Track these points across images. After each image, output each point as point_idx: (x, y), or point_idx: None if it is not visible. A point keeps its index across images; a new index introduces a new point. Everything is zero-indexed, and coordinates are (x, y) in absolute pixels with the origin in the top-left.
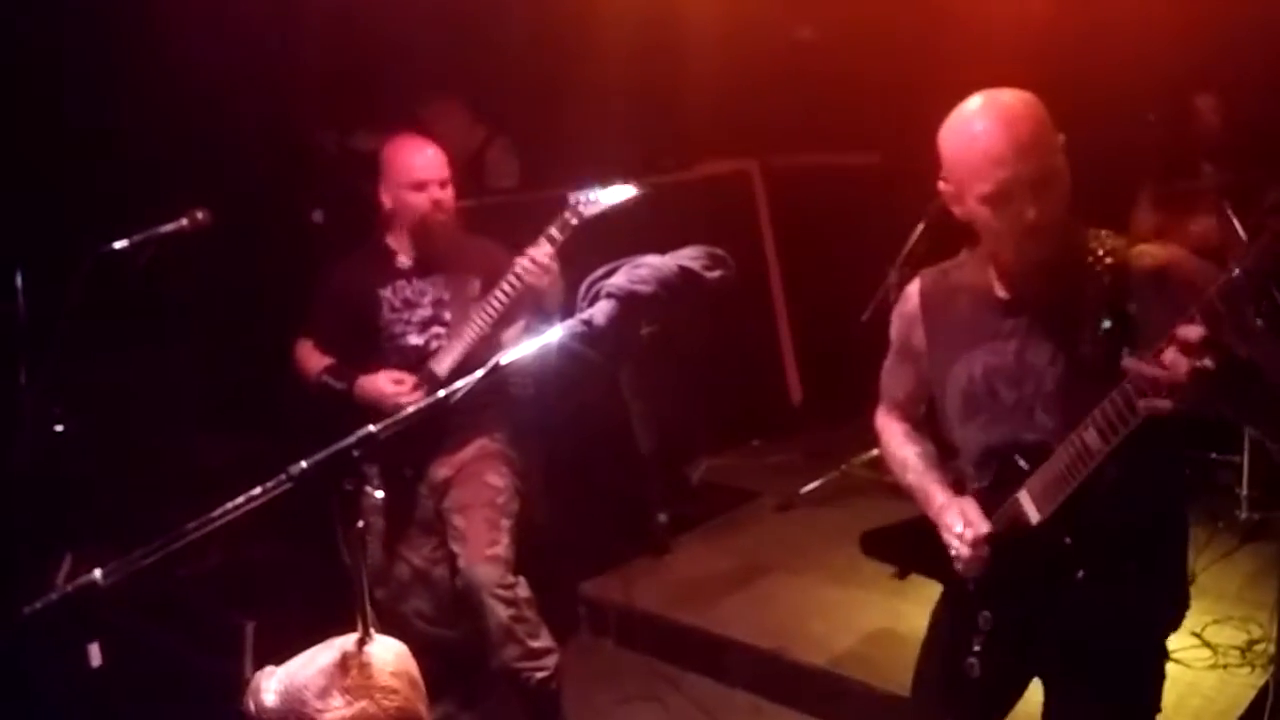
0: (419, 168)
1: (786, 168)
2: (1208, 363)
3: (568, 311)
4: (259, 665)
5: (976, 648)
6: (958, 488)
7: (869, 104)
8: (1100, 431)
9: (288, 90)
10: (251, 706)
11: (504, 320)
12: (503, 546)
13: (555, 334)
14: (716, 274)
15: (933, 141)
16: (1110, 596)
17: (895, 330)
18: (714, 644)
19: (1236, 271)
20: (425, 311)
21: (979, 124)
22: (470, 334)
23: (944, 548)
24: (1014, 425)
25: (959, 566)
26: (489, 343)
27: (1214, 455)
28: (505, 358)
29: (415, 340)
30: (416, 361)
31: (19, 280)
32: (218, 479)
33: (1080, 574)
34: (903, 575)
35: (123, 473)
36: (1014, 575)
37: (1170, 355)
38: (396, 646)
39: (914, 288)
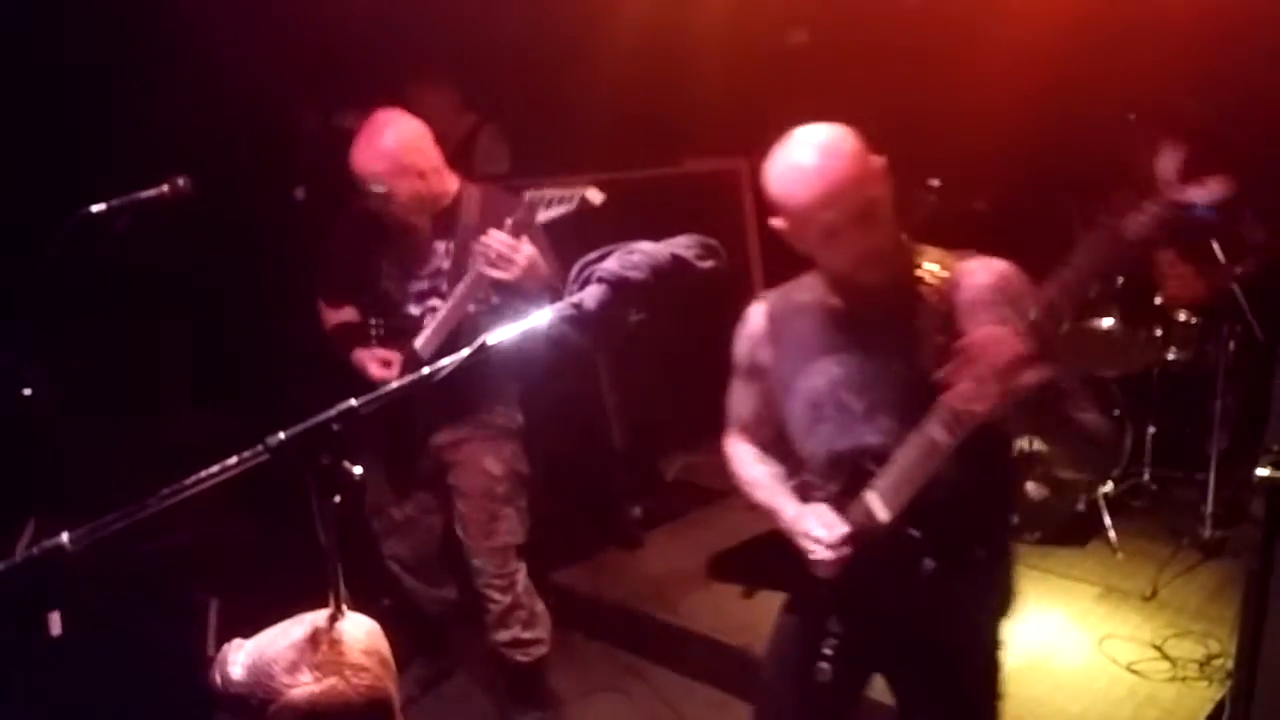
0: (359, 172)
1: None
2: (1015, 377)
3: (558, 294)
4: (221, 642)
5: (828, 651)
6: (805, 499)
7: (861, 108)
8: (946, 426)
9: (274, 66)
10: (218, 679)
11: (483, 301)
12: (502, 535)
13: (544, 316)
14: (709, 264)
15: (923, 146)
16: (954, 587)
17: (741, 352)
18: (680, 638)
19: (1066, 273)
20: (422, 284)
21: (799, 170)
22: (450, 315)
23: (788, 559)
24: (859, 431)
25: (819, 570)
26: (474, 321)
27: (1178, 473)
28: (492, 338)
29: (413, 310)
30: (413, 333)
31: None
32: (190, 455)
33: (928, 564)
34: (749, 594)
35: (92, 443)
36: (864, 575)
37: (993, 361)
38: (368, 624)
39: (758, 309)
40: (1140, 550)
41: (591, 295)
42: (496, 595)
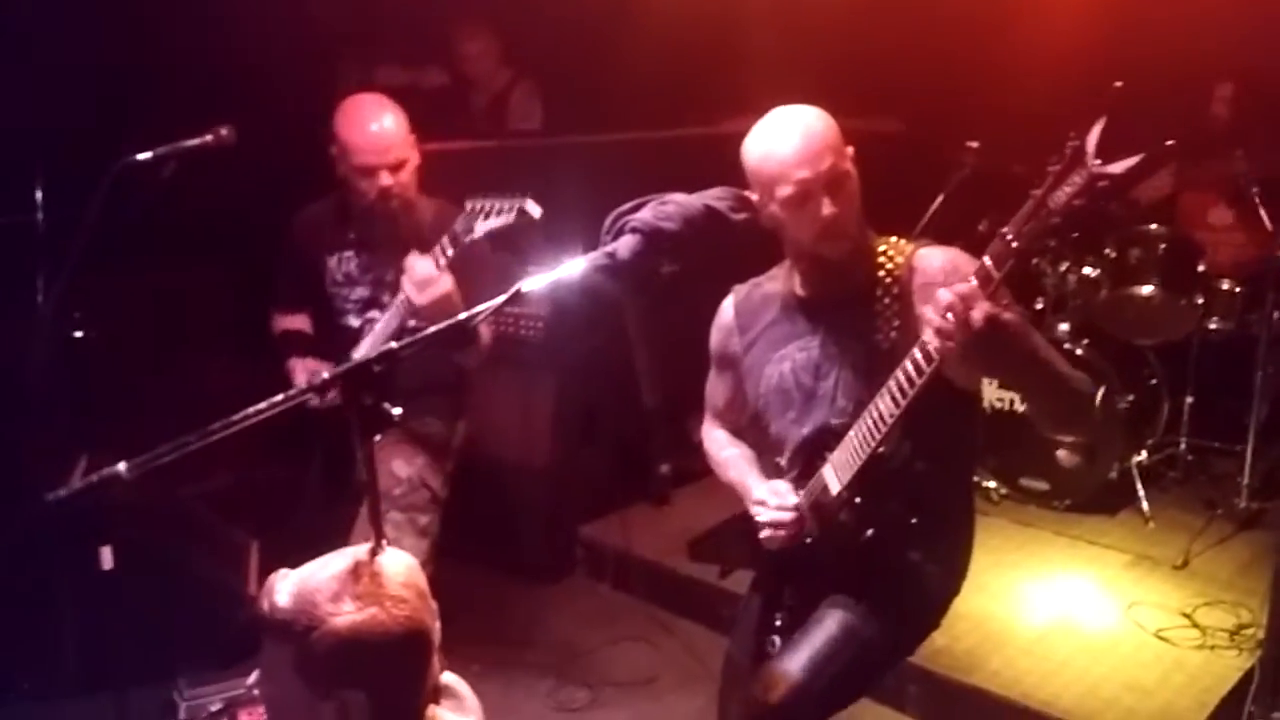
0: (366, 151)
1: None
2: (977, 314)
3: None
4: (261, 581)
5: (778, 623)
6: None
7: (900, 70)
8: (892, 397)
9: (316, 18)
10: (265, 606)
11: (405, 320)
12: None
13: (577, 266)
14: (742, 216)
15: (957, 111)
16: (892, 555)
17: (713, 343)
18: (707, 593)
19: (1005, 232)
20: (364, 291)
21: (778, 135)
22: (387, 330)
23: (754, 537)
24: (822, 414)
25: (765, 539)
26: (400, 337)
27: (1216, 444)
28: (527, 285)
29: (353, 321)
30: (351, 345)
31: (39, 194)
32: (231, 401)
33: (869, 532)
34: (725, 575)
35: (137, 385)
36: (814, 548)
37: (946, 300)
38: (407, 559)
39: (728, 302)
40: (1173, 520)
41: (625, 245)
42: None
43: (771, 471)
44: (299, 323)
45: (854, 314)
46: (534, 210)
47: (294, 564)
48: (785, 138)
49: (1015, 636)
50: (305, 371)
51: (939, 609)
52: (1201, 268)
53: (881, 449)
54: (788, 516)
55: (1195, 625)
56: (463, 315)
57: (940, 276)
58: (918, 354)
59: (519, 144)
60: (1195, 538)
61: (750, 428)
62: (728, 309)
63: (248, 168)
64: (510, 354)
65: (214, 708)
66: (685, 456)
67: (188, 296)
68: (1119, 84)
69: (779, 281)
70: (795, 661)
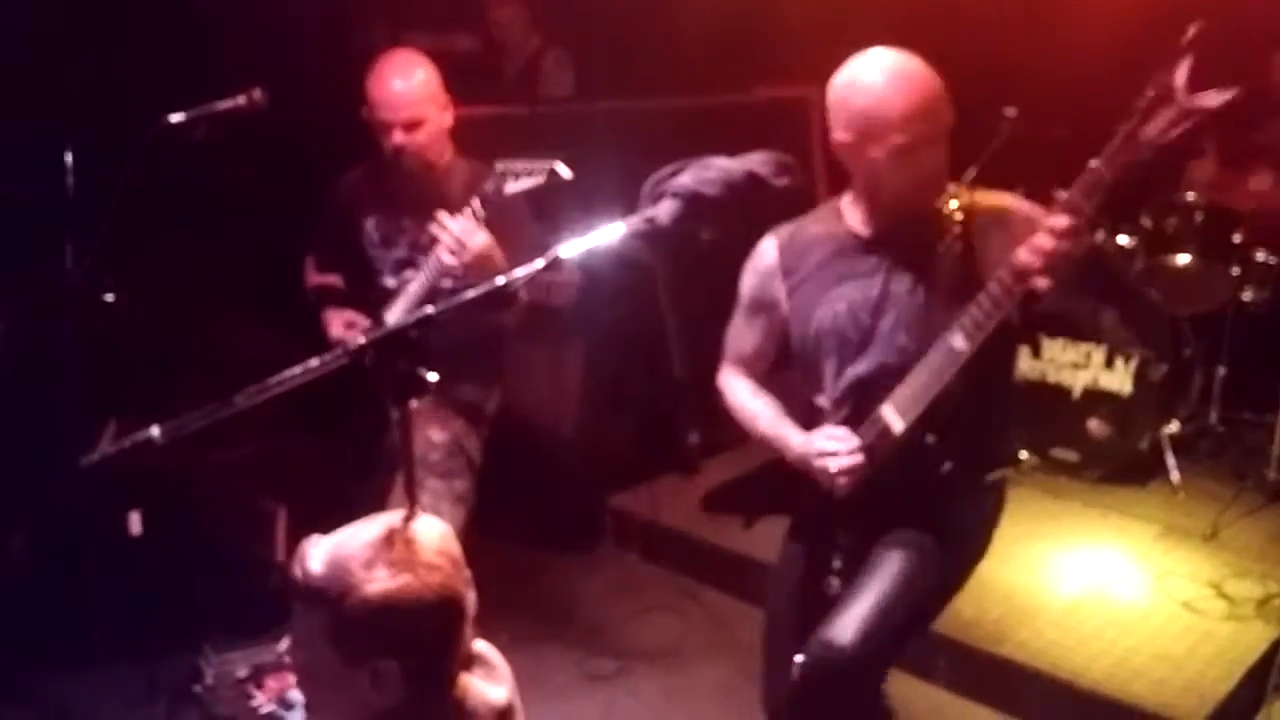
0: (384, 105)
1: None
2: (1069, 245)
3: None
4: (289, 549)
5: (837, 564)
6: (811, 427)
7: (935, 37)
8: (967, 334)
9: None
10: (298, 572)
11: (439, 281)
12: (424, 508)
13: (616, 231)
14: (784, 181)
15: (993, 78)
16: (954, 488)
17: (748, 286)
18: (736, 562)
19: (1094, 164)
20: (401, 252)
21: (896, 83)
22: (421, 290)
23: (789, 485)
24: (881, 352)
25: (834, 486)
26: (449, 299)
27: (1247, 415)
28: (565, 250)
29: (390, 281)
30: (387, 305)
31: (69, 158)
32: (259, 369)
33: (946, 465)
34: (749, 525)
35: (167, 350)
36: (876, 487)
37: (1043, 240)
38: (441, 527)
39: (768, 244)
40: (1203, 491)
41: (665, 210)
42: None
43: (809, 414)
44: (332, 280)
45: (917, 254)
46: (564, 172)
47: (326, 532)
48: (904, 87)
49: (1044, 607)
50: (341, 321)
51: (990, 538)
52: (1238, 238)
53: (950, 385)
54: (859, 460)
55: (1224, 596)
56: (501, 280)
57: (999, 218)
58: (996, 289)
59: (551, 110)
60: (1225, 509)
61: (772, 375)
62: (769, 251)
63: (278, 132)
64: (540, 323)
65: (241, 674)
66: (714, 426)
67: (219, 261)
68: (1195, 27)
69: (827, 223)
70: (865, 603)
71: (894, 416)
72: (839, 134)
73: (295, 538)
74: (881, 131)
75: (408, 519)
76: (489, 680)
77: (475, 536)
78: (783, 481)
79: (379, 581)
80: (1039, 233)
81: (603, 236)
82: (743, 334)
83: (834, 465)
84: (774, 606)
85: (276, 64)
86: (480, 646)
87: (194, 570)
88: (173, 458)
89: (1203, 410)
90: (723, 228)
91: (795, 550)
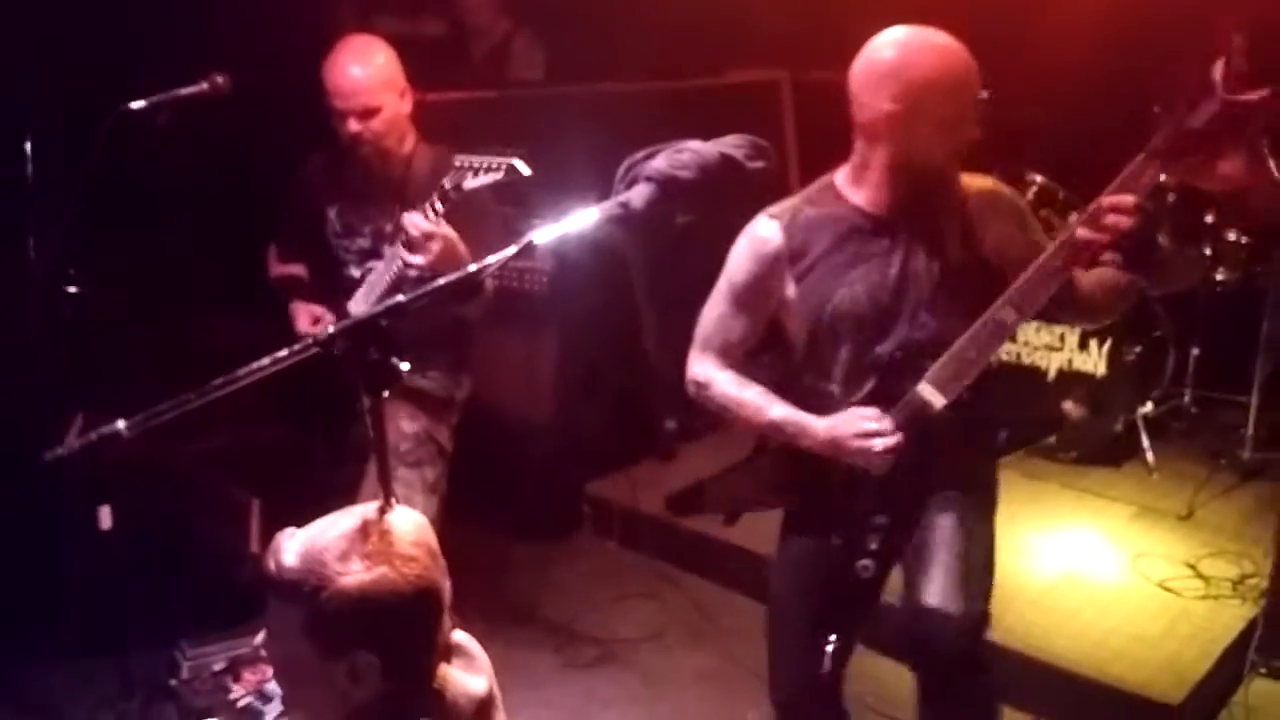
0: (337, 93)
1: (816, 80)
2: (1132, 222)
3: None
4: (264, 540)
5: (873, 547)
6: (814, 412)
7: (904, 20)
8: (1016, 308)
9: None
10: (272, 566)
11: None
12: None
13: (589, 216)
14: (759, 164)
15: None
16: (981, 466)
17: (744, 272)
18: (715, 548)
19: (1145, 153)
20: (364, 241)
21: (946, 55)
22: (386, 279)
23: (779, 480)
24: (904, 331)
25: (878, 462)
26: (415, 287)
27: (1221, 395)
28: (538, 236)
29: (354, 272)
30: (351, 295)
31: (28, 146)
32: (227, 359)
33: (1002, 436)
34: (732, 521)
35: (133, 343)
36: (913, 466)
37: (1110, 218)
38: (417, 517)
39: (770, 229)
40: (1178, 471)
41: (639, 195)
42: None
43: (812, 398)
44: (296, 270)
45: (928, 232)
46: (523, 168)
47: (299, 523)
48: (954, 62)
49: (1023, 589)
50: (308, 315)
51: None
52: (1210, 219)
53: (988, 360)
54: (899, 439)
55: (1200, 576)
56: (471, 268)
57: (990, 200)
58: (1051, 263)
59: (521, 94)
60: (1200, 489)
61: (782, 356)
62: (774, 236)
63: (244, 118)
64: (514, 309)
65: (217, 667)
66: (691, 412)
67: (185, 250)
68: (1233, 27)
69: (825, 204)
70: (949, 565)
71: (933, 393)
72: (885, 105)
73: (270, 528)
74: (935, 103)
75: (383, 510)
76: (468, 671)
77: (451, 525)
78: (775, 472)
79: (355, 574)
80: (1100, 209)
81: (576, 222)
82: (730, 321)
83: (878, 444)
84: (782, 596)
85: (242, 49)
86: (459, 637)
87: (168, 563)
88: (142, 451)
89: (1177, 391)
90: (697, 211)
91: (802, 540)
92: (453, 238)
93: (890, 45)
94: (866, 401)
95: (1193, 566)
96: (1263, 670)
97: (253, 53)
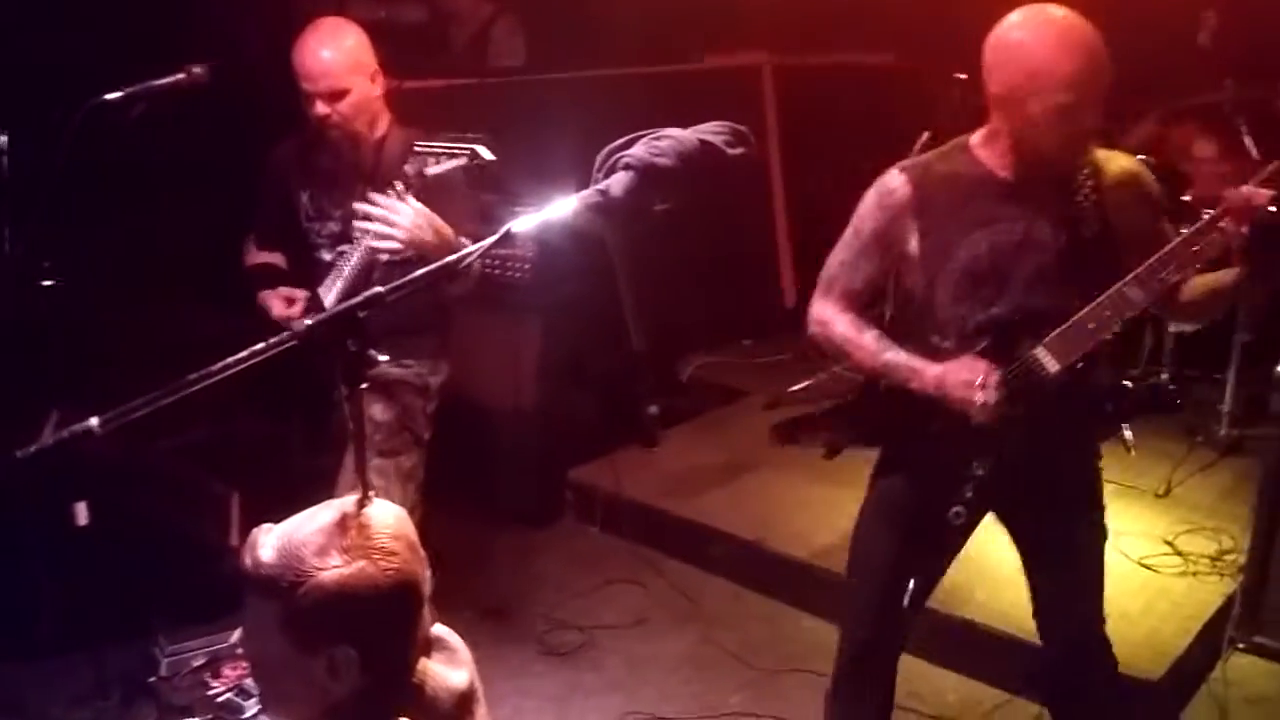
0: (305, 76)
1: (797, 65)
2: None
3: None
4: (244, 534)
5: (969, 495)
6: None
7: (885, 4)
8: (1144, 286)
9: None
10: (249, 562)
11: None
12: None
13: (568, 205)
14: (738, 150)
15: (946, 44)
16: (1090, 434)
17: (872, 221)
18: (697, 533)
19: None
20: (335, 226)
21: (1068, 44)
22: (357, 264)
23: (882, 420)
24: (1020, 296)
25: (980, 414)
26: (388, 272)
27: (1198, 373)
28: (517, 225)
29: (326, 256)
30: (324, 279)
31: (3, 138)
32: (202, 351)
33: (1109, 407)
34: (831, 455)
35: (108, 336)
36: (1021, 424)
37: (1250, 202)
38: (396, 510)
39: (898, 180)
40: (1155, 449)
41: (618, 182)
42: None
43: (927, 352)
44: (272, 258)
45: (1057, 204)
46: (486, 154)
47: (278, 516)
48: (1074, 50)
49: (1001, 569)
50: (280, 299)
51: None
52: (1187, 198)
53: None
54: (1002, 394)
55: (1178, 552)
56: (451, 258)
57: (1134, 181)
58: (1187, 247)
59: (502, 81)
60: (1177, 466)
61: (902, 310)
62: (902, 187)
63: (222, 108)
64: (496, 296)
65: (197, 663)
66: (674, 397)
67: (162, 242)
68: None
69: (957, 163)
70: (1085, 589)
71: (1048, 358)
72: (997, 87)
73: (250, 521)
74: (1047, 92)
75: (361, 504)
76: (449, 664)
77: (434, 513)
78: (881, 413)
79: (333, 569)
80: (1244, 199)
81: (555, 210)
82: (853, 268)
83: (980, 396)
84: (869, 535)
85: (219, 38)
86: (440, 630)
87: (146, 559)
88: (118, 446)
89: (1153, 368)
90: (677, 199)
91: (897, 480)
92: (422, 215)
93: (1017, 27)
94: (979, 357)
95: (1171, 543)
96: (1241, 645)
97: (230, 41)
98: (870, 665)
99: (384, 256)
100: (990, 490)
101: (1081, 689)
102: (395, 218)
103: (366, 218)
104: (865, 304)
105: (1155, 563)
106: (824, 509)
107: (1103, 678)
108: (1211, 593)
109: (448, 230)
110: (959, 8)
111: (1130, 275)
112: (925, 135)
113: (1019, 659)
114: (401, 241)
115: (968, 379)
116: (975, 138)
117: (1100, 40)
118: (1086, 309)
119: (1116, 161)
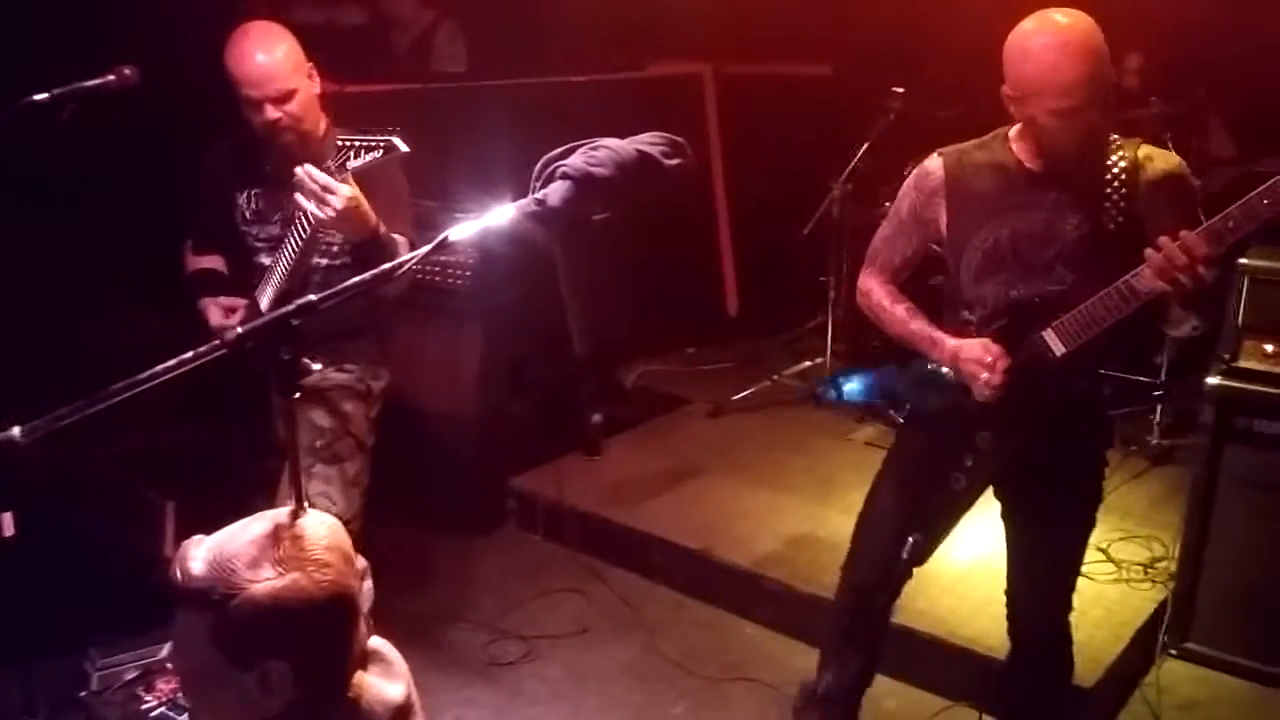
0: (249, 82)
1: (738, 74)
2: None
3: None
4: (179, 544)
5: (969, 463)
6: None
7: (824, 16)
8: (1148, 280)
9: None
10: (178, 574)
11: (309, 253)
12: (313, 498)
13: (506, 213)
14: (675, 161)
15: (884, 57)
16: (1095, 416)
17: (908, 201)
18: (640, 541)
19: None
20: (274, 229)
21: (1069, 48)
22: (292, 266)
23: (913, 389)
24: (1039, 281)
25: (984, 392)
26: (325, 276)
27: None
28: (454, 233)
29: (264, 260)
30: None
31: None
32: (135, 358)
33: (1109, 391)
34: (861, 419)
35: (36, 344)
36: (1029, 400)
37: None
38: (330, 521)
39: (936, 164)
40: None
41: (556, 191)
42: None
43: (954, 325)
44: (212, 263)
45: (1084, 196)
46: (401, 145)
47: (218, 525)
48: (1072, 58)
49: (938, 576)
50: (219, 309)
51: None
52: None
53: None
54: (1004, 378)
55: (1111, 560)
56: (387, 266)
57: (1165, 181)
58: (1201, 240)
59: (443, 86)
60: (1110, 474)
61: (947, 281)
62: (937, 171)
63: (155, 110)
64: (437, 303)
65: (129, 676)
66: (616, 405)
67: (93, 245)
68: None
69: (994, 151)
70: (1056, 571)
71: (1056, 341)
72: (1009, 88)
73: (186, 530)
74: (1047, 96)
75: (295, 514)
76: (386, 677)
77: (375, 520)
78: (914, 381)
79: (266, 582)
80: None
81: (494, 218)
82: (894, 245)
83: (984, 375)
84: (883, 484)
85: (152, 40)
86: (376, 642)
87: (76, 570)
88: (45, 456)
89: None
90: (614, 208)
91: (916, 437)
92: (356, 194)
93: (1026, 33)
94: (997, 337)
95: (1104, 551)
96: (1173, 652)
97: (163, 43)
98: (863, 613)
99: (321, 260)
100: (991, 464)
101: (1031, 687)
102: (335, 186)
103: (302, 181)
104: (903, 277)
105: (1089, 570)
106: (766, 516)
107: (1054, 672)
108: (1144, 599)
109: (374, 218)
110: (897, 24)
111: (1139, 268)
112: (864, 146)
113: (958, 666)
114: (337, 211)
115: (979, 357)
116: (1014, 130)
117: (1102, 45)
118: (1096, 297)
119: (1158, 162)
